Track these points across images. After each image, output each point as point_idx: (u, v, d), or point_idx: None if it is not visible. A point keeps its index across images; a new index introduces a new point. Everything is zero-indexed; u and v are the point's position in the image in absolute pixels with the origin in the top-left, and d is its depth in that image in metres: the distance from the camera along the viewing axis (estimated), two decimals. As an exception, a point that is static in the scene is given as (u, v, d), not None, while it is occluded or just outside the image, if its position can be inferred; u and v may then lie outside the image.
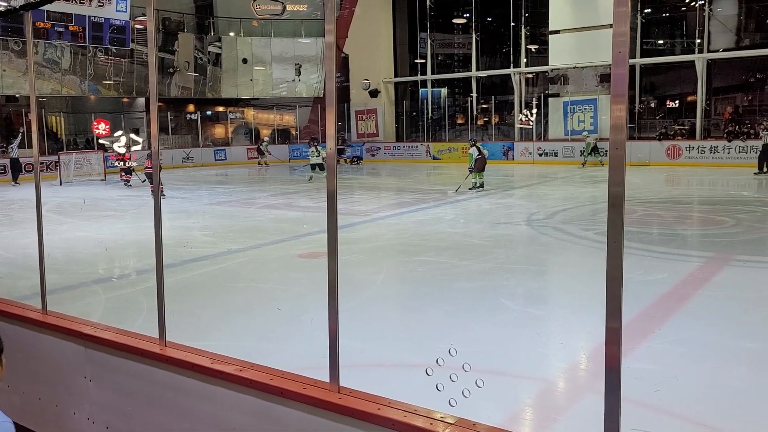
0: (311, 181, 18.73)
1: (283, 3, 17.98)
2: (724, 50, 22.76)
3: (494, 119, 27.28)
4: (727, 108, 23.10)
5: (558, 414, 4.08)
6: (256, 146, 27.10)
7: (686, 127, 22.99)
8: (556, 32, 24.17)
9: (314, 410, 2.28)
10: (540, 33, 25.71)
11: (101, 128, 20.21)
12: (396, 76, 29.53)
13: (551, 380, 4.59)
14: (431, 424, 2.05)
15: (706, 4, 22.49)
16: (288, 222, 11.99)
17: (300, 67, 28.87)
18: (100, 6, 22.27)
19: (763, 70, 23.01)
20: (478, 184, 15.56)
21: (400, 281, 7.68)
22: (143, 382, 2.88)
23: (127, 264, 8.76)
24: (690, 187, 17.51)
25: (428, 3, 28.06)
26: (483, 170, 15.71)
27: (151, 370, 2.82)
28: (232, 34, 29.00)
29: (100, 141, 20.04)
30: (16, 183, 19.94)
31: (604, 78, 22.95)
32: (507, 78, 26.69)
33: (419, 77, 29.02)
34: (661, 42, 24.86)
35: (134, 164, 18.56)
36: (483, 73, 27.45)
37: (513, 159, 24.46)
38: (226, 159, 27.87)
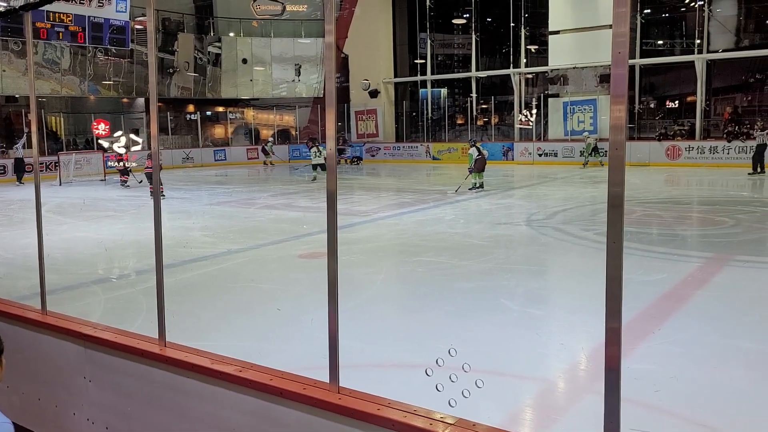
0: (315, 181, 18.73)
1: (283, 3, 17.96)
2: (724, 51, 22.77)
3: (494, 119, 27.28)
4: (727, 108, 23.12)
5: (558, 414, 4.08)
6: (261, 147, 27.09)
7: (686, 128, 23.00)
8: (556, 32, 24.18)
9: (314, 410, 2.28)
10: (540, 33, 25.71)
11: (101, 128, 20.20)
12: (396, 76, 29.53)
13: (551, 380, 4.59)
14: (431, 424, 2.05)
15: (706, 4, 22.50)
16: (288, 222, 11.98)
17: (300, 67, 28.87)
18: (99, 6, 22.26)
19: (762, 70, 23.02)
20: (477, 185, 15.56)
21: (400, 282, 7.68)
22: (143, 383, 2.88)
23: (127, 264, 8.76)
24: (689, 188, 17.51)
25: (428, 3, 28.06)
26: (483, 170, 15.71)
27: (150, 370, 2.82)
28: (231, 34, 29.00)
29: (100, 141, 20.03)
30: (21, 183, 19.96)
31: (604, 78, 22.96)
32: (507, 78, 26.70)
33: (419, 77, 29.02)
34: (660, 42, 24.87)
35: (134, 164, 18.54)
36: (483, 74, 27.45)
37: (513, 159, 24.46)
38: (225, 159, 27.87)
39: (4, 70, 22.44)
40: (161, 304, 2.90)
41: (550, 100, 25.05)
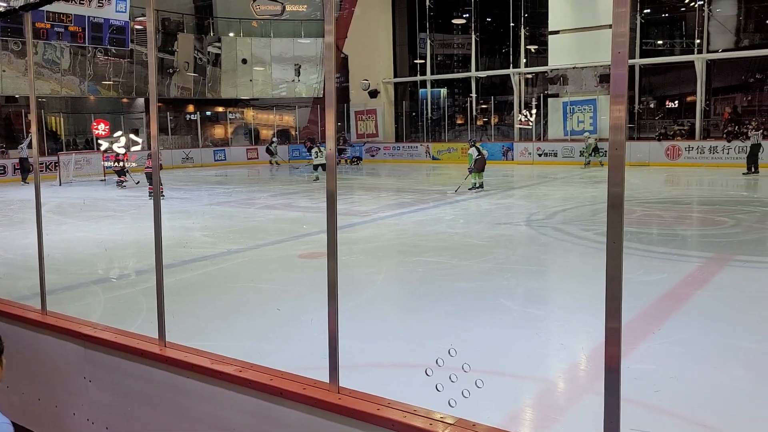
0: (317, 181, 18.72)
1: (282, 3, 17.96)
2: (724, 51, 22.78)
3: (494, 119, 27.29)
4: (726, 108, 23.13)
5: (558, 414, 4.08)
6: (266, 147, 27.09)
7: (686, 128, 23.00)
8: (556, 32, 24.18)
9: (314, 410, 2.28)
10: (539, 33, 25.72)
11: (101, 129, 20.21)
12: (395, 76, 29.53)
13: (551, 380, 4.59)
14: (431, 424, 2.05)
15: (706, 4, 22.50)
16: (288, 222, 11.98)
17: (299, 67, 28.88)
18: (99, 6, 22.26)
19: (762, 70, 23.03)
20: (477, 185, 15.56)
21: (400, 282, 7.68)
22: (143, 383, 2.88)
23: (127, 264, 8.76)
24: (689, 188, 17.52)
25: (428, 3, 28.06)
26: (482, 170, 15.71)
27: (150, 370, 2.82)
28: (231, 34, 29.00)
29: (99, 141, 20.04)
30: (26, 182, 19.97)
31: (604, 78, 22.96)
32: (506, 78, 26.70)
33: (419, 77, 29.03)
34: (660, 42, 24.88)
35: (133, 164, 18.53)
36: (482, 74, 27.45)
37: (512, 159, 24.46)
38: (225, 159, 27.87)
39: (4, 70, 22.45)
40: (161, 304, 2.90)
41: (549, 100, 25.05)
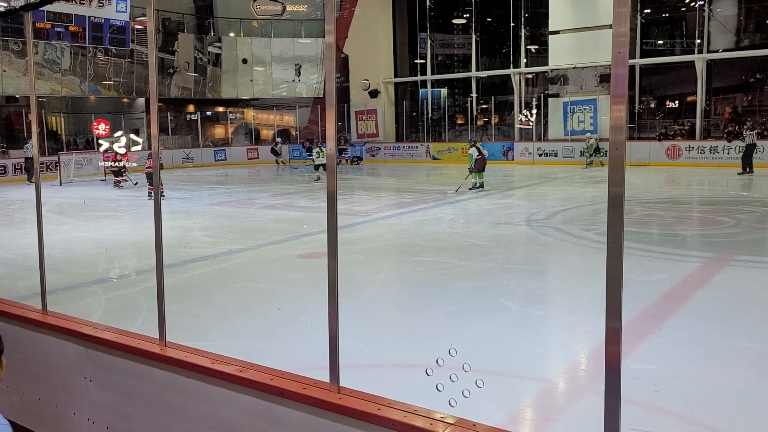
0: (319, 180, 18.72)
1: (283, 3, 17.93)
2: (724, 51, 22.77)
3: (494, 119, 27.29)
4: (726, 108, 23.12)
5: (558, 414, 4.08)
6: (270, 148, 27.08)
7: (686, 128, 23.00)
8: (556, 32, 24.18)
9: (314, 410, 2.28)
10: (540, 33, 25.71)
11: (101, 128, 20.21)
12: (396, 76, 29.53)
13: (551, 380, 4.59)
14: (431, 424, 2.05)
15: (706, 4, 22.50)
16: (288, 222, 11.99)
17: (300, 67, 28.88)
18: (100, 6, 22.27)
19: (762, 70, 23.02)
20: (477, 185, 15.56)
21: (400, 281, 7.68)
22: (143, 383, 2.88)
23: (127, 264, 8.76)
24: (690, 188, 17.51)
25: (428, 3, 28.06)
26: (483, 170, 15.71)
27: (151, 370, 2.82)
28: (232, 34, 29.00)
29: (100, 141, 20.05)
30: (31, 182, 19.99)
31: (604, 78, 22.96)
32: (507, 78, 26.70)
33: (419, 77, 29.03)
34: (660, 42, 24.87)
35: (134, 164, 18.51)
36: (483, 74, 27.45)
37: (513, 159, 24.46)
38: (226, 159, 27.88)
39: (4, 70, 22.46)
40: (161, 304, 2.90)
41: (550, 100, 25.05)
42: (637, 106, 24.26)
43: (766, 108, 22.71)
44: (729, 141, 20.32)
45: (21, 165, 21.55)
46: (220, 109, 31.27)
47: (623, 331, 1.76)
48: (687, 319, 5.67)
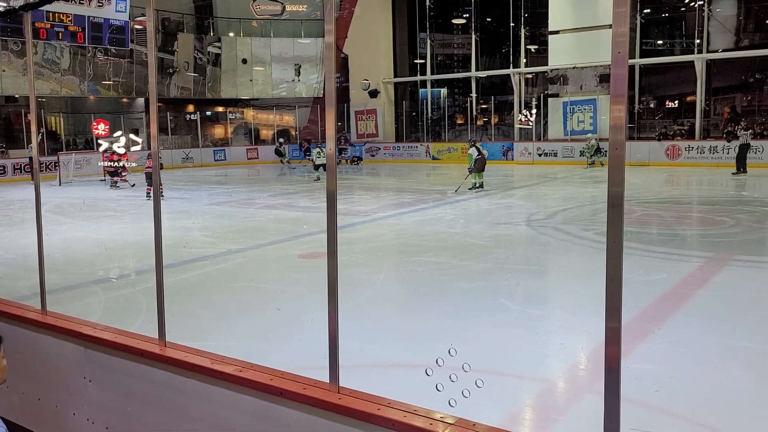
0: (318, 180, 18.72)
1: (282, 3, 17.95)
2: (724, 50, 22.78)
3: (494, 119, 27.29)
4: (726, 108, 23.13)
5: (558, 414, 4.08)
6: (275, 148, 27.09)
7: (686, 128, 23.01)
8: (556, 32, 24.19)
9: (314, 410, 2.28)
10: (540, 33, 25.72)
11: (101, 128, 20.21)
12: (395, 76, 29.53)
13: (551, 380, 4.59)
14: (431, 424, 2.05)
15: (706, 4, 22.50)
16: (288, 222, 11.98)
17: (299, 67, 28.88)
18: (99, 6, 22.26)
19: (762, 70, 23.03)
20: (477, 185, 15.56)
21: (400, 281, 7.68)
22: (143, 383, 2.88)
23: (127, 264, 8.75)
24: (689, 187, 17.52)
25: (428, 3, 28.06)
26: (483, 170, 15.71)
27: (150, 370, 2.82)
28: (231, 34, 29.00)
29: (99, 141, 20.06)
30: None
31: (604, 78, 22.96)
32: (507, 78, 26.70)
33: (419, 77, 29.03)
34: (660, 42, 24.88)
35: (133, 164, 18.50)
36: (483, 74, 27.45)
37: (512, 159, 24.47)
38: (225, 159, 27.88)
39: (3, 70, 22.45)
40: (161, 304, 2.90)
41: (549, 100, 25.06)
42: (636, 106, 24.27)
43: (765, 108, 22.71)
44: (728, 141, 20.32)
45: (21, 165, 21.56)
46: (220, 109, 31.27)
47: (623, 331, 1.76)
48: (687, 319, 5.67)
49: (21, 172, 21.47)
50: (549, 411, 4.13)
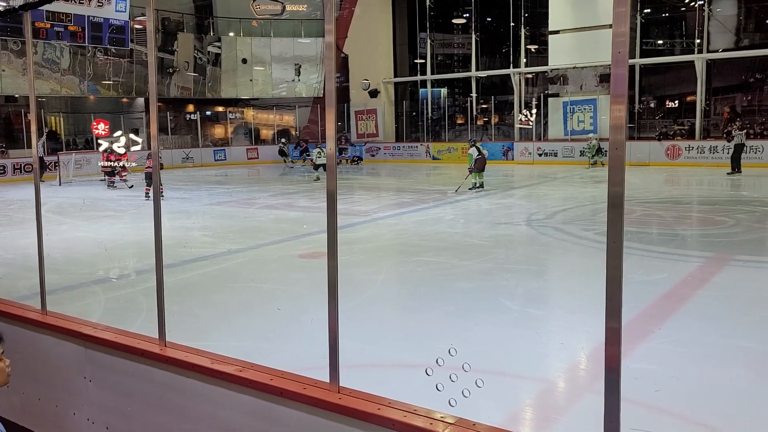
0: (318, 181, 18.72)
1: (282, 3, 17.97)
2: (724, 50, 22.77)
3: (494, 119, 27.29)
4: (725, 108, 23.13)
5: (558, 414, 4.08)
6: (278, 149, 27.10)
7: (686, 127, 23.00)
8: (556, 32, 24.19)
9: (314, 410, 2.28)
10: (540, 33, 25.72)
11: (101, 128, 20.22)
12: (396, 76, 29.53)
13: (551, 380, 4.59)
14: (431, 424, 2.05)
15: (706, 4, 22.50)
16: (288, 222, 11.98)
17: (300, 67, 28.88)
18: (99, 6, 22.26)
19: (762, 70, 23.02)
20: (477, 185, 15.56)
21: (400, 281, 7.68)
22: (143, 383, 2.88)
23: (127, 264, 8.75)
24: (689, 187, 17.52)
25: (428, 3, 28.06)
26: (483, 170, 15.71)
27: (150, 370, 2.82)
28: (231, 34, 29.00)
29: (99, 141, 20.06)
30: (42, 180, 20.01)
31: (604, 78, 22.96)
32: (507, 78, 26.70)
33: (419, 77, 29.02)
34: (660, 42, 24.87)
35: (133, 164, 18.50)
36: (483, 73, 27.45)
37: (513, 159, 24.46)
38: (225, 159, 27.88)
39: (3, 70, 22.45)
40: (161, 304, 2.90)
41: (550, 99, 25.05)
42: (636, 105, 24.27)
43: (765, 108, 22.71)
44: (728, 141, 20.30)
45: (21, 165, 21.54)
46: (220, 108, 31.27)
47: (623, 331, 1.76)
48: (687, 319, 5.67)
49: (21, 171, 21.45)
50: (549, 411, 4.13)
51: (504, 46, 26.94)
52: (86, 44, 23.24)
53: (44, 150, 20.82)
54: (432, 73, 28.50)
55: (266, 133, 31.56)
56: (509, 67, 26.31)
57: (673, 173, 19.64)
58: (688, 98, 23.66)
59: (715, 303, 6.19)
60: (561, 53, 24.11)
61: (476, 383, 2.26)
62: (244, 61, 28.77)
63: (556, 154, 23.73)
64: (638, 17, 23.65)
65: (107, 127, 20.15)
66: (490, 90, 27.82)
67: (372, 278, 7.42)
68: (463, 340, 5.10)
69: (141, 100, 28.77)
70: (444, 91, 29.51)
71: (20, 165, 21.60)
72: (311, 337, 5.01)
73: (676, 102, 24.70)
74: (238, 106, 31.40)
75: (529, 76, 26.26)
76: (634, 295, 5.99)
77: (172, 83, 27.44)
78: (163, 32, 26.89)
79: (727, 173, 18.09)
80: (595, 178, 18.32)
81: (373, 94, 28.08)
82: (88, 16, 22.08)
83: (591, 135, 22.62)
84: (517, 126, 25.18)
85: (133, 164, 18.54)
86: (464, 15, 27.49)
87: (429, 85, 28.97)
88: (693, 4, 23.30)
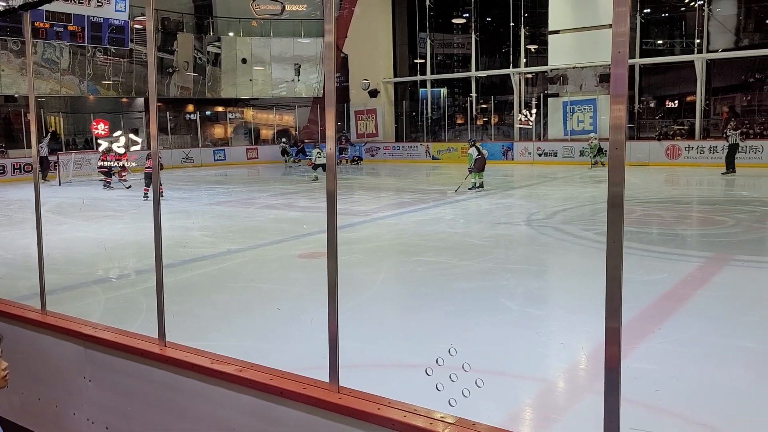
0: (316, 181, 18.72)
1: (282, 3, 17.97)
2: (724, 50, 22.77)
3: (494, 119, 27.29)
4: (724, 108, 23.13)
5: (558, 414, 4.08)
6: (281, 149, 27.14)
7: (685, 127, 23.01)
8: (556, 32, 24.19)
9: (314, 410, 2.28)
10: (539, 33, 25.72)
11: (100, 128, 20.22)
12: (395, 76, 29.53)
13: (551, 380, 4.59)
14: (431, 423, 2.05)
15: (706, 4, 22.50)
16: (288, 222, 11.98)
17: (299, 67, 28.88)
18: (98, 6, 22.26)
19: (762, 70, 23.03)
20: (477, 184, 15.56)
21: (400, 281, 7.68)
22: (143, 383, 2.88)
23: (127, 264, 8.75)
24: (689, 187, 17.52)
25: (428, 3, 28.06)
26: (482, 170, 15.71)
27: (150, 370, 2.82)
28: (231, 34, 29.00)
29: (99, 141, 20.06)
30: (45, 180, 20.03)
31: (604, 78, 22.96)
32: (506, 78, 26.70)
33: (419, 77, 29.02)
34: (660, 42, 24.88)
35: (132, 164, 18.49)
36: (482, 73, 27.45)
37: (512, 159, 24.47)
38: (225, 159, 27.88)
39: (3, 70, 22.45)
40: (161, 304, 2.90)
41: (549, 99, 25.05)
42: (636, 105, 24.27)
43: (765, 108, 22.71)
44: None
45: (21, 165, 21.53)
46: (220, 108, 31.27)
47: (623, 331, 1.76)
48: (687, 319, 5.67)
49: (21, 171, 21.45)
50: (549, 411, 4.13)
51: (504, 46, 26.94)
52: (86, 44, 23.25)
53: (48, 150, 20.86)
54: (432, 73, 28.50)
55: (266, 133, 31.56)
56: (509, 67, 26.31)
57: (672, 173, 19.64)
58: (688, 98, 23.66)
59: (715, 303, 6.19)
60: (561, 53, 24.11)
61: (476, 383, 2.26)
62: (244, 61, 28.77)
63: (555, 154, 23.73)
64: (638, 17, 23.66)
65: (107, 127, 20.15)
66: (490, 90, 27.82)
67: (372, 278, 7.42)
68: (463, 340, 5.10)
69: (141, 100, 28.77)
70: (444, 91, 29.52)
71: (20, 165, 21.60)
72: (311, 337, 5.01)
73: (676, 102, 24.70)
74: (237, 106, 31.41)
75: (529, 76, 26.26)
76: (634, 295, 5.99)
77: (172, 83, 27.44)
78: (163, 32, 26.88)
79: (722, 173, 18.10)
80: (594, 178, 18.32)
81: (373, 94, 28.08)
82: (88, 16, 22.09)
83: (592, 135, 22.63)
84: (516, 126, 25.18)
85: (133, 164, 18.52)
86: (464, 15, 27.49)
87: (429, 85, 28.98)
88: (693, 4, 23.30)
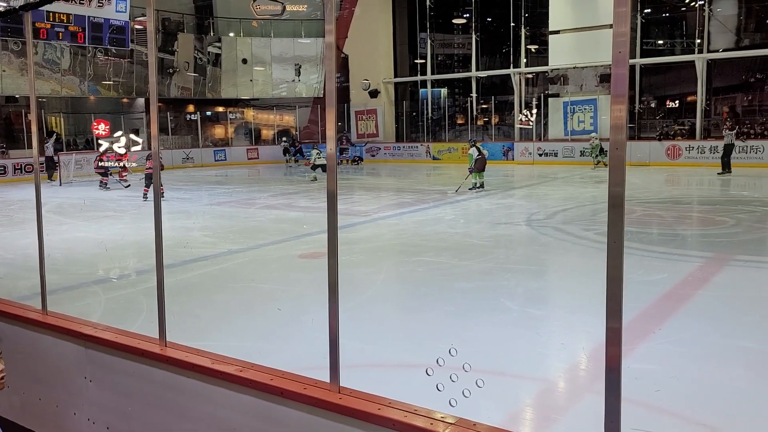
0: (315, 181, 18.72)
1: (282, 3, 17.93)
2: (724, 50, 22.77)
3: (494, 119, 27.29)
4: (724, 108, 23.12)
5: (558, 414, 4.08)
6: (282, 148, 27.15)
7: (686, 127, 23.00)
8: (556, 32, 24.18)
9: (314, 410, 2.28)
10: (540, 33, 25.71)
11: (101, 129, 20.20)
12: (396, 76, 29.52)
13: (551, 380, 4.59)
14: (431, 424, 2.05)
15: (706, 4, 22.49)
16: (288, 222, 11.99)
17: (300, 67, 28.87)
18: (99, 6, 22.26)
19: (762, 70, 23.02)
20: (478, 185, 15.56)
21: (400, 281, 7.68)
22: (143, 383, 2.88)
23: (127, 264, 8.75)
24: (690, 187, 17.52)
25: (428, 3, 28.05)
26: (483, 170, 15.71)
27: (151, 370, 2.82)
28: (231, 34, 29.00)
29: (99, 141, 20.05)
30: (51, 180, 20.03)
31: (604, 78, 22.96)
32: (507, 78, 26.70)
33: (419, 77, 29.02)
34: (661, 42, 24.87)
35: (133, 164, 18.46)
36: (483, 74, 27.45)
37: (513, 159, 24.46)
38: (226, 159, 27.88)
39: (4, 70, 22.46)
40: (161, 304, 2.90)
41: (550, 99, 25.05)
42: (637, 105, 24.26)
43: (765, 108, 22.70)
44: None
45: (22, 165, 21.54)
46: (220, 109, 31.27)
47: (623, 331, 1.76)
48: (687, 319, 5.67)
49: (21, 172, 21.46)
50: (549, 411, 4.13)
51: (504, 46, 26.93)
52: (86, 44, 23.25)
53: (54, 150, 20.91)
54: (432, 73, 28.50)
55: (266, 133, 31.55)
56: (509, 67, 26.30)
57: (673, 173, 19.63)
58: (689, 98, 23.65)
59: (715, 303, 6.19)
60: (561, 53, 24.10)
61: (476, 383, 2.26)
62: (245, 61, 28.77)
63: (556, 154, 23.72)
64: (638, 17, 23.65)
65: (107, 127, 20.10)
66: (490, 90, 27.81)
67: (372, 278, 7.42)
68: (463, 340, 5.10)
69: (141, 101, 28.77)
70: (444, 91, 29.51)
71: (21, 165, 21.61)
72: (311, 337, 5.01)
73: (677, 102, 24.69)
74: (238, 106, 31.41)
75: (530, 76, 26.25)
76: (635, 295, 5.99)
77: (173, 83, 27.44)
78: (164, 32, 26.89)
79: (718, 173, 18.09)
80: (595, 178, 18.32)
81: (373, 94, 28.08)
82: (89, 17, 22.10)
83: (592, 135, 22.61)
84: (517, 126, 25.17)
85: (134, 164, 18.50)
86: (464, 15, 27.49)
87: (429, 85, 28.97)
88: (693, 4, 23.29)
